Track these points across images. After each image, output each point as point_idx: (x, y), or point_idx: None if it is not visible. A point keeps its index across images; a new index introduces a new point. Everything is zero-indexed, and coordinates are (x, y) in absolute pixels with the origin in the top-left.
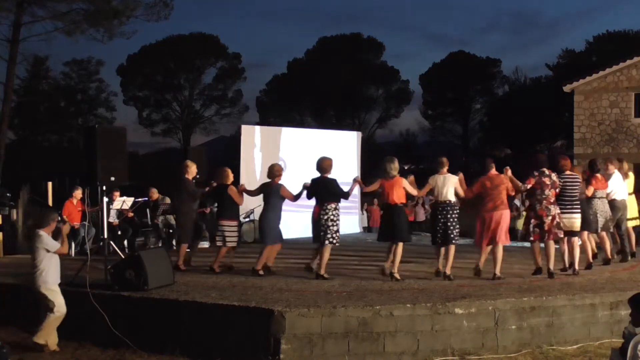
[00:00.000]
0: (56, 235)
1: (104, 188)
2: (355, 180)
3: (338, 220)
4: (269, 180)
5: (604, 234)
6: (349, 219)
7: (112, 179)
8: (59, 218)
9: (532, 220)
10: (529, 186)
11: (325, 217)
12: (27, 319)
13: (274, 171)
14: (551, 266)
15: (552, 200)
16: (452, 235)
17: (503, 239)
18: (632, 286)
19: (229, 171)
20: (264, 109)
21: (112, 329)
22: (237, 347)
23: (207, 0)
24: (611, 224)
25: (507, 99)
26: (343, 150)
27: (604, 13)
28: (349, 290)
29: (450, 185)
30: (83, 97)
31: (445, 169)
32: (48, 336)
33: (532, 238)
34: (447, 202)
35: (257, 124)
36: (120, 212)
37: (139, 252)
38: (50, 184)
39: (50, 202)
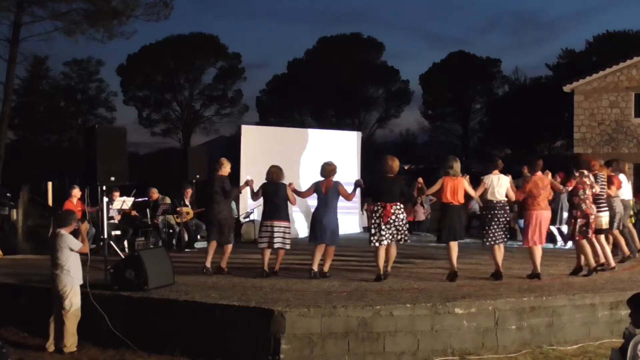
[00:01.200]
0: (75, 235)
1: (104, 188)
2: (417, 182)
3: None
4: (322, 179)
5: (616, 232)
6: (349, 219)
7: (112, 179)
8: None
9: (580, 220)
10: (570, 188)
11: (402, 215)
12: (27, 319)
13: (329, 169)
14: (591, 263)
15: (591, 200)
16: (502, 235)
17: (544, 239)
18: (632, 286)
19: (282, 170)
20: (264, 109)
21: (112, 329)
22: (237, 347)
23: (207, 0)
24: (621, 223)
25: (507, 99)
26: (343, 150)
27: (604, 13)
28: (349, 290)
29: (504, 185)
30: (83, 97)
31: (498, 170)
32: (75, 338)
33: (577, 237)
34: (501, 202)
35: (257, 124)
36: (122, 212)
37: (139, 252)
38: (50, 184)
39: (50, 202)
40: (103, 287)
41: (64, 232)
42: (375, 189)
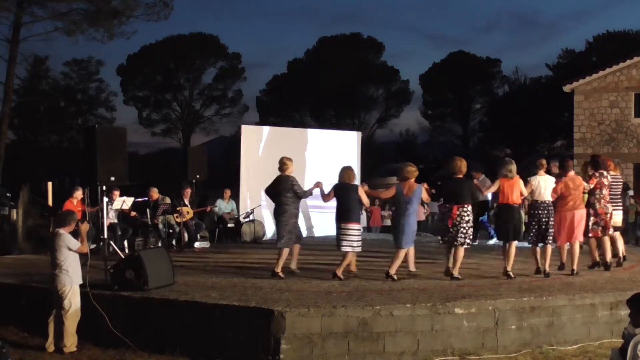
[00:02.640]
0: (75, 235)
1: (104, 188)
2: (474, 182)
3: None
4: (404, 181)
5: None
6: None
7: (112, 179)
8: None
9: (592, 218)
10: (592, 186)
11: (467, 218)
12: (27, 319)
13: (412, 171)
14: (608, 259)
15: (608, 199)
16: (548, 234)
17: (580, 237)
18: (632, 286)
19: (354, 171)
20: (264, 109)
21: (112, 329)
22: (237, 347)
23: (207, 0)
24: None
25: (507, 99)
26: (343, 150)
27: (604, 13)
28: (349, 290)
29: (549, 186)
30: (83, 97)
31: (543, 170)
32: (74, 338)
33: (590, 235)
34: (547, 202)
35: (257, 124)
36: (121, 212)
37: (139, 252)
38: (50, 184)
39: (50, 202)
40: (103, 287)
41: (63, 231)
42: (445, 190)
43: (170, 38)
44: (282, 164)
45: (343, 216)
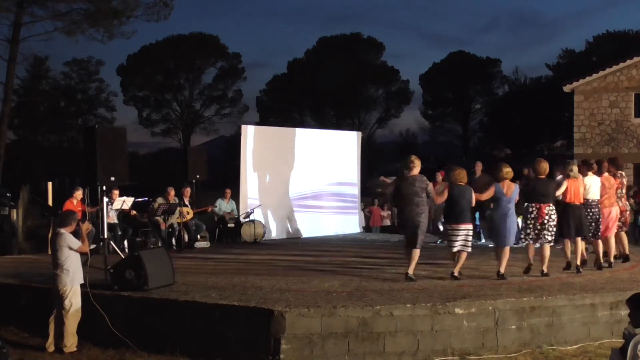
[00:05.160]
0: (76, 235)
1: (104, 188)
2: (559, 183)
3: None
4: (501, 181)
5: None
6: (349, 219)
7: (112, 179)
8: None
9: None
10: (615, 186)
11: (554, 216)
12: (27, 319)
13: (508, 171)
14: (627, 251)
15: (626, 198)
16: (598, 231)
17: (611, 232)
18: (632, 286)
19: (465, 172)
20: (264, 109)
21: (112, 329)
22: (237, 347)
23: (207, 0)
24: None
25: (507, 99)
26: (343, 150)
27: (604, 13)
28: (349, 290)
29: (597, 186)
30: (83, 97)
31: (592, 172)
32: (75, 338)
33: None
34: (596, 201)
35: (257, 124)
36: (121, 212)
37: (139, 252)
38: (50, 184)
39: (50, 202)
40: (103, 287)
41: (64, 231)
42: (530, 190)
43: (170, 38)
44: (411, 162)
45: (458, 217)
